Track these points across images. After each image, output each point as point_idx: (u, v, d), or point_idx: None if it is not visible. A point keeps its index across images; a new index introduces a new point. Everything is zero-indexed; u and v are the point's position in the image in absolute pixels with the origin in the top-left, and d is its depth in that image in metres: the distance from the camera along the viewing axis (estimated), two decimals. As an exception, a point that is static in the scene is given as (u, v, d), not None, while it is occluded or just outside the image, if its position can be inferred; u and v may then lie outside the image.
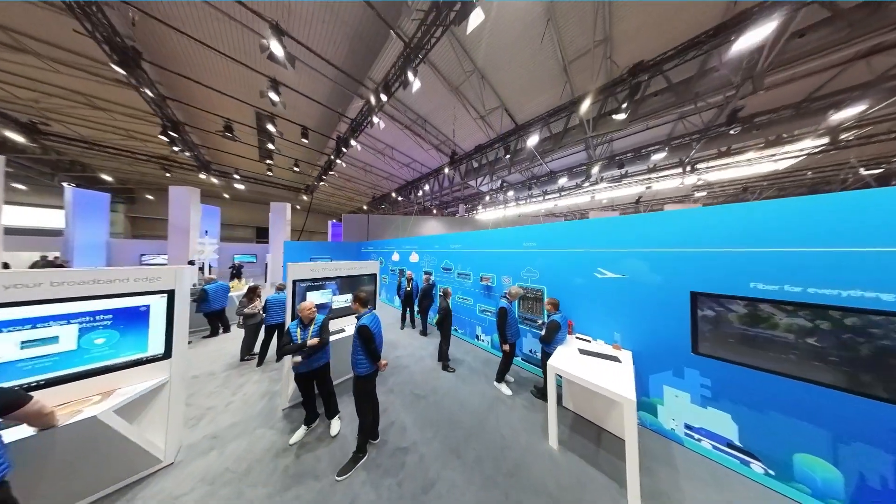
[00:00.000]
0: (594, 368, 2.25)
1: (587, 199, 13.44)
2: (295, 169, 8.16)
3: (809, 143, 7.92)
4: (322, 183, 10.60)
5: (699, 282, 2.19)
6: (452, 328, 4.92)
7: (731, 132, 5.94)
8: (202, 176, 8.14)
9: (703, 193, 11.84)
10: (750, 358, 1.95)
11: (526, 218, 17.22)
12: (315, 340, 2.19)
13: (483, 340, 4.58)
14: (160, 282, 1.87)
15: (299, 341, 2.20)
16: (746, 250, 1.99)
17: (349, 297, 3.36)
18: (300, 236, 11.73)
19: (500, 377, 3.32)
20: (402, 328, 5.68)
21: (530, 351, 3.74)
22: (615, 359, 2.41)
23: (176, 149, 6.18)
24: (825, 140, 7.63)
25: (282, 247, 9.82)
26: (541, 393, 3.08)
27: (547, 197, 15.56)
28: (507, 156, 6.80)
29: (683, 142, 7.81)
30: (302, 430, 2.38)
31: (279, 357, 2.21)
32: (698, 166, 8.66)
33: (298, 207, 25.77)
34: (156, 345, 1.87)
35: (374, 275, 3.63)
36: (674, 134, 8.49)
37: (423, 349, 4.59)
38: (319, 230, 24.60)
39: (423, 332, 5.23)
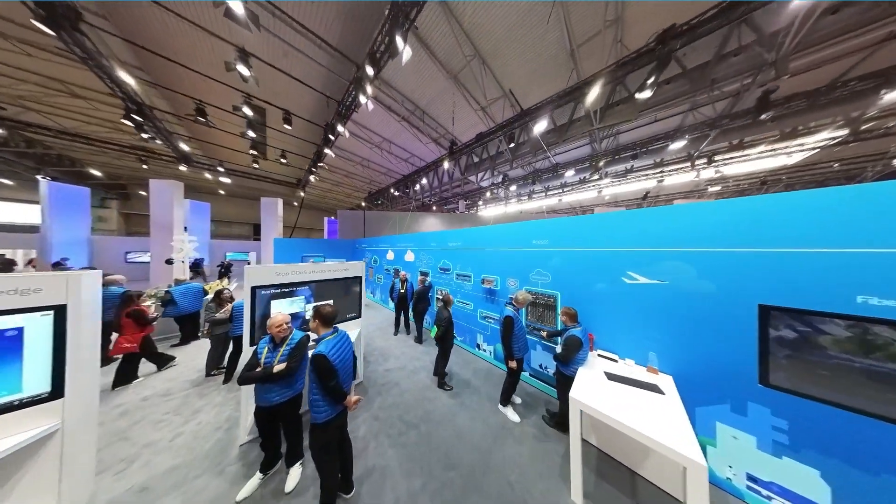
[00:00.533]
0: (631, 403, 1.73)
1: (591, 196, 12.85)
2: (282, 161, 7.62)
3: (829, 134, 7.36)
4: (313, 177, 10.04)
5: (772, 292, 1.65)
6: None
7: (763, 117, 5.36)
8: (183, 168, 7.58)
9: (717, 188, 11.19)
10: (854, 398, 1.43)
11: (528, 214, 16.67)
12: (281, 367, 1.68)
13: (485, 350, 4.07)
14: (40, 295, 1.36)
15: (269, 364, 1.72)
16: (850, 251, 1.45)
17: (330, 303, 2.84)
18: (292, 233, 11.21)
19: (506, 399, 2.82)
20: (395, 334, 5.18)
21: (540, 366, 3.23)
22: (656, 388, 1.89)
23: (145, 136, 5.61)
24: (846, 130, 7.09)
25: (272, 244, 9.32)
26: (554, 420, 2.57)
27: (549, 193, 14.99)
28: (511, 145, 6.22)
29: (699, 133, 7.23)
30: (256, 478, 1.87)
31: (240, 384, 1.70)
32: (716, 158, 8.07)
33: (296, 204, 25.36)
34: (36, 381, 1.36)
35: (359, 278, 3.10)
36: (682, 127, 7.92)
37: (417, 360, 4.08)
38: (317, 227, 24.13)
39: (419, 340, 4.73)
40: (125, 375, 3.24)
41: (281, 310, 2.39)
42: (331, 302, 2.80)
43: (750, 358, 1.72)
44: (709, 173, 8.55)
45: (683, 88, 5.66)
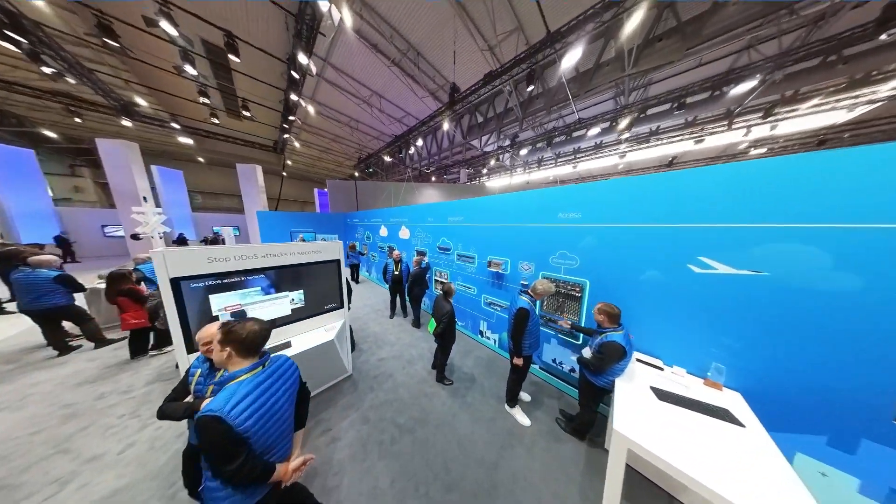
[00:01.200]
0: (700, 440, 1.26)
1: (607, 164, 11.59)
2: (245, 113, 6.36)
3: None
4: (296, 142, 8.76)
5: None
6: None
7: (887, 35, 4.19)
8: (127, 123, 6.31)
9: (763, 150, 9.86)
10: None
11: (536, 185, 15.46)
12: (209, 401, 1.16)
13: (489, 338, 3.67)
14: None
15: (200, 393, 1.21)
16: None
17: (298, 295, 2.26)
18: (278, 205, 10.31)
19: (513, 399, 2.45)
20: (391, 317, 4.78)
21: (554, 361, 2.81)
22: (730, 417, 1.40)
23: (47, 70, 4.33)
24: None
25: (255, 218, 8.52)
26: (571, 425, 2.22)
27: (559, 161, 13.60)
28: (529, 88, 5.05)
29: (764, 76, 5.88)
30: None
31: (159, 418, 1.19)
32: (775, 111, 6.75)
33: (285, 174, 23.79)
34: None
35: (336, 262, 2.48)
36: (732, 72, 6.49)
37: (414, 347, 3.71)
38: (310, 200, 22.87)
39: (416, 324, 4.34)
40: (141, 346, 3.20)
41: (228, 305, 1.81)
42: (297, 298, 2.17)
43: (889, 385, 1.19)
44: (760, 132, 7.28)
45: (753, 10, 4.39)
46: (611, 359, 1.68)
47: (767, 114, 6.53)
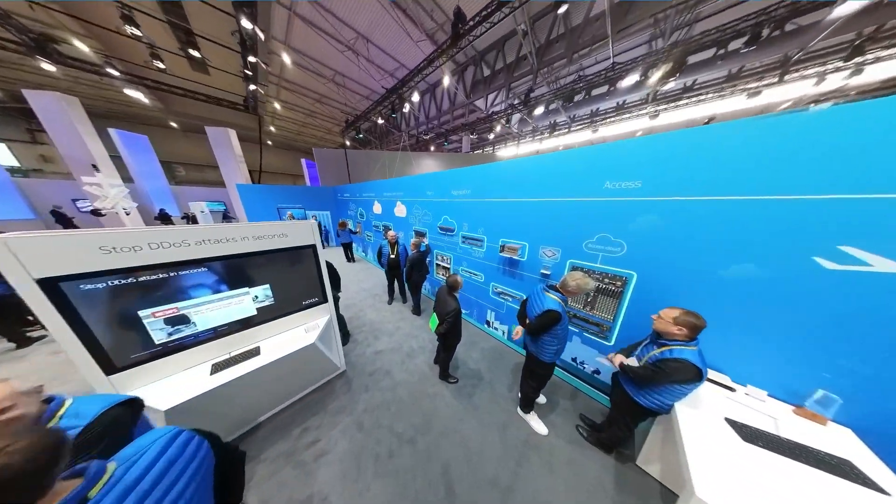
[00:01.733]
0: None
1: (627, 130, 10.32)
2: (192, 52, 5.04)
3: None
4: (257, 88, 7.36)
5: None
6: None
7: None
8: (48, 66, 4.87)
9: (828, 104, 8.53)
10: None
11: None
12: None
13: (497, 329, 3.31)
14: None
15: None
16: None
17: (263, 291, 1.76)
18: (260, 177, 9.34)
19: (528, 404, 2.13)
20: (389, 303, 4.41)
21: (574, 360, 2.46)
22: (858, 476, 1.00)
23: None
24: None
25: (237, 193, 7.70)
26: (596, 436, 1.93)
27: (573, 127, 12.20)
28: (562, 9, 3.92)
29: None
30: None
31: None
32: (871, 50, 5.37)
33: (271, 143, 21.82)
34: None
35: (311, 248, 1.92)
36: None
37: (414, 337, 3.37)
38: (300, 172, 21.37)
39: (416, 311, 3.97)
40: None
41: (158, 310, 1.31)
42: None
43: None
44: (836, 80, 5.90)
45: None
46: (672, 378, 1.25)
47: (857, 51, 5.07)
